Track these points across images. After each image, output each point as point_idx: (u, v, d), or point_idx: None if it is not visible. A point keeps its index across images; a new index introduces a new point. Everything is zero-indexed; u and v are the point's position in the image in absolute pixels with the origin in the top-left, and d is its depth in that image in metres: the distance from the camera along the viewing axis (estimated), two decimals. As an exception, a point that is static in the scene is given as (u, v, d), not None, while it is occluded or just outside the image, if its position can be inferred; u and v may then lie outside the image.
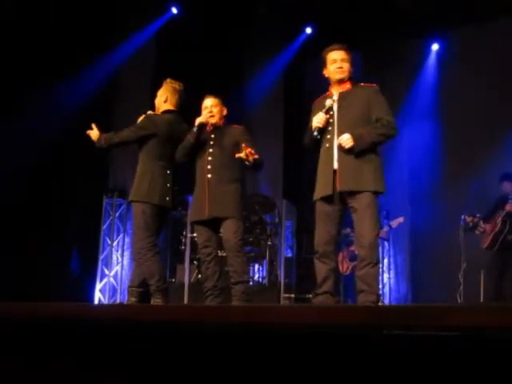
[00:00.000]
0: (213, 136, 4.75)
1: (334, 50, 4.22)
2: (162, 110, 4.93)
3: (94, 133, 4.79)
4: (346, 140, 3.95)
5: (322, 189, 4.10)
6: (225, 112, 4.85)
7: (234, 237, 4.53)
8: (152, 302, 4.64)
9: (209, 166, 4.66)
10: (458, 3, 7.87)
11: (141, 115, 4.90)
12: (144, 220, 4.65)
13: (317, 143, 4.20)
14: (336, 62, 4.17)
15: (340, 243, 6.96)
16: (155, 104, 4.98)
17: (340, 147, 4.02)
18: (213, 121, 4.75)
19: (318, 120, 4.11)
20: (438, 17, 8.26)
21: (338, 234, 4.21)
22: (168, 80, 5.02)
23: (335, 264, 4.15)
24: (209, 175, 4.64)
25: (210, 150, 4.70)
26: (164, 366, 2.45)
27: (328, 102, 4.14)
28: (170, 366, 2.45)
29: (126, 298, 5.02)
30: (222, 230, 4.63)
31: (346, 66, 4.18)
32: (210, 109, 4.74)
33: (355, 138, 3.96)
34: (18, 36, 6.62)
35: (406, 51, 8.93)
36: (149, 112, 4.94)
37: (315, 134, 4.13)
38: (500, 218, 6.79)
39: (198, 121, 4.68)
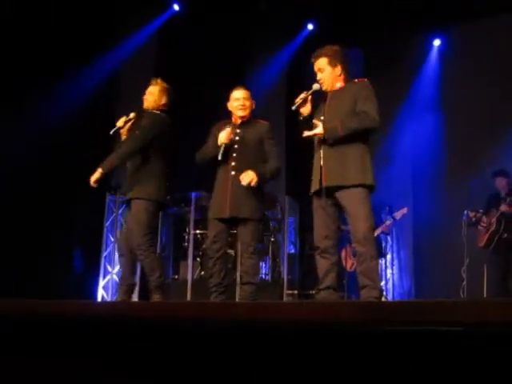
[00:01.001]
0: (238, 131, 4.63)
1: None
2: (156, 108, 4.93)
3: (95, 175, 4.72)
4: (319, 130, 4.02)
5: (313, 184, 4.15)
6: (253, 106, 4.73)
7: (251, 239, 4.50)
8: (152, 299, 4.67)
9: (233, 163, 4.55)
10: (460, -1, 7.87)
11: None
12: (147, 217, 4.70)
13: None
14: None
15: (343, 240, 6.98)
16: (148, 102, 4.95)
17: (323, 142, 4.05)
18: (243, 113, 4.65)
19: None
20: (439, 12, 8.25)
21: (338, 229, 4.22)
22: (159, 80, 5.03)
23: (336, 258, 4.16)
24: (232, 172, 4.53)
25: (235, 146, 4.57)
26: (167, 364, 2.45)
27: (315, 86, 4.16)
28: (174, 364, 2.45)
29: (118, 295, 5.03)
30: (239, 230, 4.59)
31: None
32: (243, 101, 4.64)
33: (327, 130, 3.98)
34: (19, 35, 6.62)
35: (408, 47, 8.91)
36: (150, 110, 4.94)
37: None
38: (495, 218, 6.85)
39: (220, 139, 4.52)
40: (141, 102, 5.04)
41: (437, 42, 8.95)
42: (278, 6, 8.58)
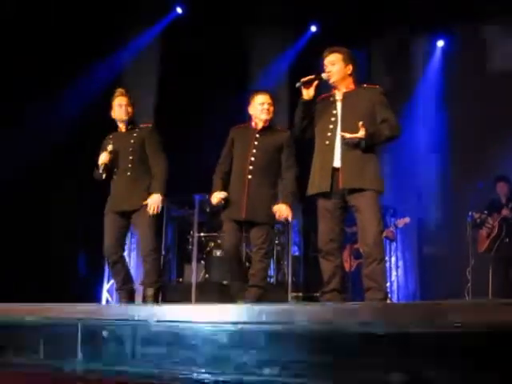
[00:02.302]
0: (258, 136, 4.68)
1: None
2: (131, 118, 5.02)
3: (161, 202, 4.80)
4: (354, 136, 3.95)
5: (318, 185, 4.11)
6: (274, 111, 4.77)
7: (262, 243, 4.54)
8: (146, 298, 4.75)
9: (250, 167, 4.59)
10: (464, 0, 7.85)
11: (144, 118, 4.98)
12: (156, 221, 4.84)
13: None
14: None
15: (344, 241, 6.97)
16: (129, 113, 5.00)
17: (345, 144, 4.02)
18: (267, 117, 4.68)
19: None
20: (443, 13, 8.24)
21: (342, 231, 4.21)
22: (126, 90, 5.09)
23: (340, 261, 4.16)
24: (249, 176, 4.58)
25: (254, 151, 4.63)
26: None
27: (324, 75, 4.14)
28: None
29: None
30: (252, 233, 4.62)
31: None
32: (268, 106, 4.69)
33: (371, 135, 3.96)
34: (21, 37, 6.62)
35: (412, 48, 8.91)
36: (149, 126, 5.06)
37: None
38: (497, 223, 6.88)
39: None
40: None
41: (440, 43, 8.93)
42: (280, 8, 8.58)
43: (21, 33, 6.64)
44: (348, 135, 3.97)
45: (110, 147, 4.85)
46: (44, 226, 6.84)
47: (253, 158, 4.60)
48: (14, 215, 6.47)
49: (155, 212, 4.72)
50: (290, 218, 4.58)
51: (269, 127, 4.73)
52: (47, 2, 6.86)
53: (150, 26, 8.36)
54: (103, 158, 4.82)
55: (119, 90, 5.01)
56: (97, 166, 4.92)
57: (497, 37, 8.13)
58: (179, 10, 8.61)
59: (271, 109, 4.70)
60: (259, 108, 4.68)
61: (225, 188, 4.68)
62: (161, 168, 4.84)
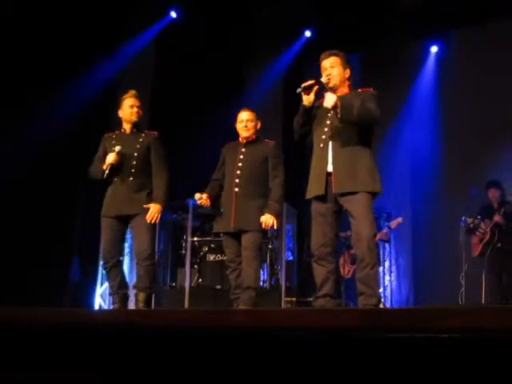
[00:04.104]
0: (244, 150, 4.89)
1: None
2: (139, 121, 5.04)
3: (160, 213, 4.84)
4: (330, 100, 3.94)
5: (314, 188, 4.13)
6: (259, 125, 4.97)
7: (251, 247, 4.70)
8: (137, 302, 4.77)
9: (237, 180, 4.80)
10: (458, 5, 7.87)
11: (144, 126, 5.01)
12: (154, 227, 4.89)
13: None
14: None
15: (341, 246, 6.97)
16: (139, 115, 5.01)
17: (335, 149, 4.03)
18: (246, 134, 4.89)
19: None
20: (437, 19, 8.27)
21: (336, 236, 4.21)
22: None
23: (334, 265, 4.15)
24: (236, 189, 4.79)
25: (240, 164, 4.84)
26: (165, 372, 2.44)
27: (323, 79, 4.15)
28: (171, 372, 2.43)
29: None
30: (242, 239, 4.79)
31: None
32: (246, 123, 4.88)
33: (344, 106, 3.92)
34: (15, 40, 6.60)
35: (405, 53, 8.92)
36: (153, 134, 5.05)
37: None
38: (489, 228, 6.92)
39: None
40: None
41: (434, 49, 8.96)
42: (275, 13, 8.60)
43: (15, 38, 6.62)
44: (327, 101, 3.96)
45: (117, 148, 4.80)
46: (36, 229, 6.80)
47: (238, 172, 4.81)
48: (5, 217, 6.44)
49: (154, 221, 4.77)
50: (275, 227, 4.80)
51: (255, 140, 4.94)
52: (42, 6, 6.84)
53: (145, 30, 8.34)
54: (111, 158, 4.76)
55: (132, 92, 4.99)
56: (91, 162, 4.91)
57: (490, 42, 8.16)
58: (173, 15, 8.60)
59: (250, 125, 4.89)
60: (239, 126, 4.91)
61: (214, 199, 4.91)
62: (164, 179, 4.89)
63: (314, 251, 4.09)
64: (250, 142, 4.92)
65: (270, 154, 4.87)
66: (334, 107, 3.91)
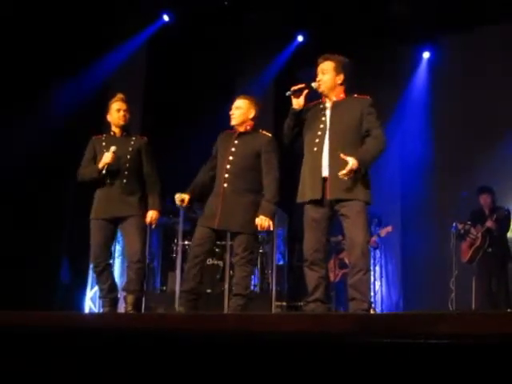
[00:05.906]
0: (236, 142, 4.54)
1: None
2: (127, 125, 5.03)
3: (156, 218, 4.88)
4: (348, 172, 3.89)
5: (308, 192, 4.08)
6: (252, 115, 4.57)
7: (243, 251, 4.43)
8: (126, 305, 4.76)
9: (226, 175, 4.47)
10: (449, 11, 7.90)
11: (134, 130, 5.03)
12: (146, 230, 4.93)
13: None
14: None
15: (330, 251, 6.97)
16: (129, 118, 5.00)
17: (333, 154, 4.02)
18: (233, 122, 4.56)
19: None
20: (429, 25, 8.30)
21: (327, 241, 4.21)
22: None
23: (325, 271, 4.14)
24: (225, 184, 4.46)
25: (230, 158, 4.49)
26: (154, 376, 2.43)
27: (313, 84, 4.13)
28: (161, 376, 2.43)
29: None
30: (234, 242, 4.64)
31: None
32: (232, 110, 4.55)
33: (362, 162, 3.92)
34: (4, 43, 6.58)
35: (397, 59, 8.94)
36: (146, 138, 5.06)
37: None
38: (480, 234, 6.94)
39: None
40: (131, 111, 5.02)
41: (426, 55, 8.99)
42: (267, 17, 8.60)
43: (7, 41, 6.60)
44: (342, 173, 3.88)
45: (113, 148, 4.76)
46: (26, 230, 6.77)
47: (228, 166, 4.48)
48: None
49: (152, 224, 4.86)
50: (271, 228, 4.48)
51: (250, 131, 4.59)
52: (31, 10, 6.82)
53: (137, 34, 8.33)
54: (107, 157, 4.73)
55: (119, 95, 4.97)
56: (80, 165, 4.91)
57: (483, 48, 8.19)
58: (166, 18, 8.60)
59: (237, 113, 4.55)
60: (230, 114, 4.61)
61: (198, 191, 4.69)
62: (158, 185, 4.93)
63: (308, 256, 4.06)
64: (243, 134, 4.55)
65: (263, 148, 4.50)
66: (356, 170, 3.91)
